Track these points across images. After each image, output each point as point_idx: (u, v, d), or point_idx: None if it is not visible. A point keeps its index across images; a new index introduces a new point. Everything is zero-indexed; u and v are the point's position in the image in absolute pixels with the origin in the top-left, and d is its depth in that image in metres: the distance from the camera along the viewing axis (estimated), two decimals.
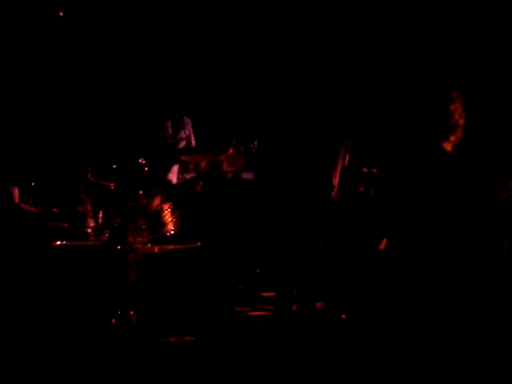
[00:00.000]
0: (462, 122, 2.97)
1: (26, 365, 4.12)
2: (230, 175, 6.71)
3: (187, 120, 6.92)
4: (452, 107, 2.92)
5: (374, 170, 5.98)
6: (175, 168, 6.73)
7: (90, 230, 5.11)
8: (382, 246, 5.80)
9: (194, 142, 6.99)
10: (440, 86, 2.99)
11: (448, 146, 2.95)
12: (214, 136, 7.09)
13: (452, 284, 2.76)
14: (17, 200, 4.79)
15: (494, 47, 6.89)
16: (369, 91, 7.34)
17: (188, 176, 6.91)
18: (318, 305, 5.85)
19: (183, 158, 6.65)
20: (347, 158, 5.42)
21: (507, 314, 2.73)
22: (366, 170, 6.07)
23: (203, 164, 7.17)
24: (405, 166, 2.97)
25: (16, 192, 4.65)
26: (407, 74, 6.74)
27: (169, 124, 6.71)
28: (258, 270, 6.03)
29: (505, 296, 2.76)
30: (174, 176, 6.68)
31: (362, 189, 6.07)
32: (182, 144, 6.81)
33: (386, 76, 6.98)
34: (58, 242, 4.65)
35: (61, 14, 6.67)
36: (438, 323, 2.78)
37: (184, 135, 6.85)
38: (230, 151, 6.62)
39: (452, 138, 2.96)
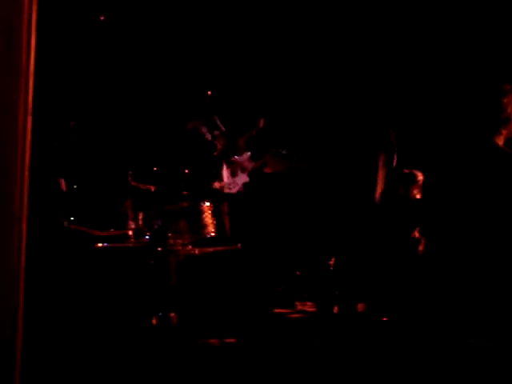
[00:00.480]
0: None
1: (69, 364, 4.18)
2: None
3: (215, 117, 6.95)
4: (505, 101, 2.88)
5: (414, 172, 5.92)
6: (225, 172, 6.75)
7: (130, 233, 5.16)
8: (421, 247, 5.76)
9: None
10: (493, 80, 2.95)
11: (500, 140, 2.92)
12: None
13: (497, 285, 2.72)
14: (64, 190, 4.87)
15: None
16: (416, 88, 7.26)
17: (239, 180, 6.94)
18: (360, 307, 5.81)
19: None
20: (395, 159, 5.28)
21: None
22: (407, 170, 6.01)
23: (249, 166, 7.20)
24: (458, 161, 2.94)
25: (63, 183, 4.72)
26: (459, 68, 6.63)
27: (204, 129, 6.76)
28: (298, 272, 6.01)
29: None
30: (226, 174, 6.70)
31: (402, 190, 6.02)
32: (220, 142, 6.84)
33: (436, 71, 6.88)
34: (100, 244, 4.70)
35: (102, 18, 6.76)
36: (482, 325, 2.74)
37: (219, 135, 6.88)
38: (261, 123, 6.61)
39: (504, 132, 2.92)
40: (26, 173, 1.66)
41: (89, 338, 4.43)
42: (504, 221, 2.76)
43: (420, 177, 5.81)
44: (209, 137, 6.72)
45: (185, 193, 5.60)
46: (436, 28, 7.18)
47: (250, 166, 7.27)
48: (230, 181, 6.83)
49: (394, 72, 7.38)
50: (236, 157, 6.94)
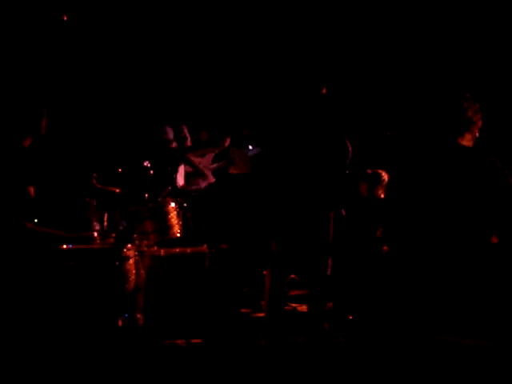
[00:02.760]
0: (476, 120, 3.04)
1: (31, 367, 4.13)
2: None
3: (183, 126, 6.99)
4: (465, 105, 2.99)
5: (378, 171, 5.98)
6: (181, 170, 6.76)
7: (95, 234, 5.11)
8: (386, 247, 5.83)
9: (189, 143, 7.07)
10: (454, 87, 3.06)
11: (464, 141, 3.01)
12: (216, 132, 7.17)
13: (463, 280, 2.76)
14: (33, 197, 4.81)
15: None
16: (382, 91, 7.35)
17: (202, 184, 6.98)
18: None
19: (191, 157, 6.71)
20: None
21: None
22: (370, 171, 6.08)
23: (212, 167, 7.26)
24: (421, 160, 3.00)
25: (32, 191, 4.67)
26: (421, 74, 6.74)
27: (169, 129, 6.77)
28: (264, 272, 6.03)
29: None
30: (181, 178, 6.71)
31: (365, 189, 6.08)
32: (187, 143, 6.87)
33: (396, 76, 6.98)
34: (64, 246, 4.66)
35: (65, 18, 6.70)
36: (447, 320, 2.78)
37: (184, 136, 6.91)
38: (227, 142, 6.68)
39: (468, 136, 3.03)
40: None
41: (53, 340, 4.38)
42: (467, 219, 2.81)
43: (384, 176, 5.88)
44: (172, 140, 6.74)
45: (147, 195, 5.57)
46: (401, 36, 7.29)
47: (212, 166, 7.31)
48: (183, 183, 6.87)
49: (359, 76, 7.48)
50: (195, 157, 6.97)
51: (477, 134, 3.07)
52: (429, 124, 3.03)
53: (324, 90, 4.87)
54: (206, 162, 7.27)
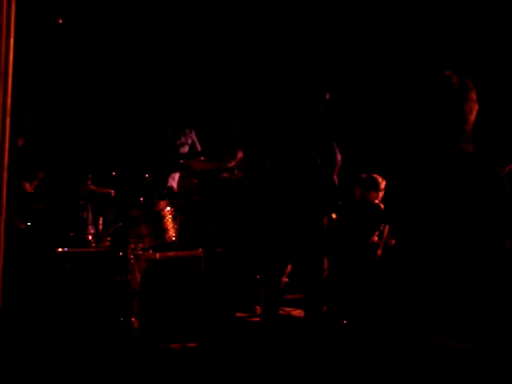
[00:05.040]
0: (474, 116, 3.01)
1: (28, 370, 4.12)
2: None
3: (189, 129, 6.94)
4: (466, 108, 2.96)
5: (373, 176, 6.00)
6: (176, 175, 6.74)
7: (90, 237, 5.11)
8: (380, 251, 5.85)
9: (200, 149, 7.00)
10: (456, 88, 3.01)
11: (465, 146, 2.98)
12: (218, 143, 7.12)
13: (457, 284, 2.78)
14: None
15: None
16: (380, 95, 7.36)
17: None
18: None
19: (192, 163, 6.66)
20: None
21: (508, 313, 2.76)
22: (364, 175, 6.09)
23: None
24: (424, 166, 2.99)
25: (28, 187, 4.66)
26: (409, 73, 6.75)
27: (168, 132, 6.74)
28: (258, 276, 6.03)
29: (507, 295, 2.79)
30: (174, 182, 6.69)
31: (359, 194, 6.09)
32: (184, 150, 6.82)
33: (393, 81, 6.99)
34: (60, 249, 4.65)
35: (60, 21, 6.69)
36: (442, 325, 2.79)
37: (185, 141, 6.86)
38: (239, 155, 6.62)
39: (467, 137, 2.99)
40: (5, 174, 1.65)
41: (50, 343, 4.37)
42: (464, 227, 2.83)
43: (379, 181, 5.89)
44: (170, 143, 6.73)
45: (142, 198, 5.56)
46: (399, 37, 7.31)
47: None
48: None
49: (351, 80, 7.49)
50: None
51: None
52: (430, 128, 3.01)
53: (327, 96, 4.90)
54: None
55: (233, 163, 6.53)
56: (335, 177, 5.01)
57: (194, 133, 6.96)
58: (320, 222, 4.83)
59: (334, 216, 5.73)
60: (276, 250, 4.80)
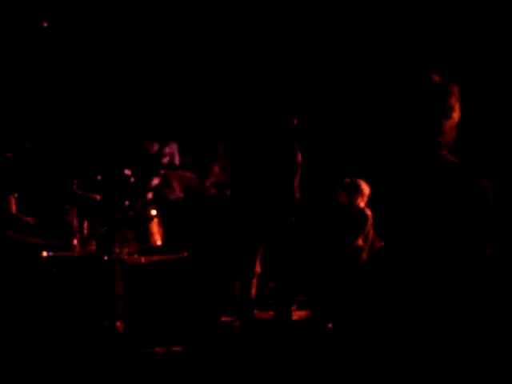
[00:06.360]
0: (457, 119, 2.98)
1: (13, 374, 4.11)
2: (213, 191, 6.79)
3: (171, 141, 7.01)
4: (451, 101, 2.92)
5: (357, 180, 6.03)
6: (155, 181, 6.78)
7: (75, 241, 5.10)
8: (365, 255, 5.88)
9: (178, 162, 7.06)
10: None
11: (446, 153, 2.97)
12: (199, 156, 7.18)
13: (441, 289, 2.80)
14: (14, 209, 4.80)
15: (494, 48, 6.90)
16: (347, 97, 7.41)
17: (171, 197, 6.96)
18: (304, 314, 5.89)
19: (169, 173, 6.71)
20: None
21: (494, 317, 2.78)
22: (348, 180, 6.12)
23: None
24: (407, 173, 2.98)
25: (13, 201, 4.65)
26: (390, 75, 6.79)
27: (153, 139, 6.81)
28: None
29: (491, 299, 2.82)
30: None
31: (344, 198, 6.12)
32: (165, 159, 6.87)
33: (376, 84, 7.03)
34: (45, 253, 4.65)
35: (45, 24, 6.69)
36: (427, 329, 2.81)
37: (168, 152, 6.92)
38: (216, 171, 6.74)
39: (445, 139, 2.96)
40: None
41: (35, 347, 4.37)
42: (446, 227, 2.85)
43: (363, 185, 5.93)
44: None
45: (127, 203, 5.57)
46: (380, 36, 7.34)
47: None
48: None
49: (335, 80, 7.53)
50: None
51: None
52: (412, 134, 3.00)
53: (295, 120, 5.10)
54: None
55: (209, 181, 6.67)
56: (296, 179, 5.14)
57: (175, 144, 7.01)
58: (280, 221, 5.01)
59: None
60: (243, 246, 5.00)
